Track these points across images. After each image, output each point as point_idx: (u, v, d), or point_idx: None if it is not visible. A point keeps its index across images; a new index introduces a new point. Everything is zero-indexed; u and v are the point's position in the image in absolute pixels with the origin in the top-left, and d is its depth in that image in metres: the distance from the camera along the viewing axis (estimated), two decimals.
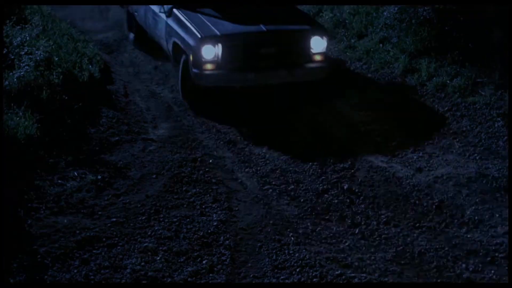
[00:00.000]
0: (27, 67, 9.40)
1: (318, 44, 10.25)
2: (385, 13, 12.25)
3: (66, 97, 9.28)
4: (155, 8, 11.07)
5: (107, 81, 10.78)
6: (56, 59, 10.02)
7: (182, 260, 6.83)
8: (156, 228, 7.28)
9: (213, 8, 10.61)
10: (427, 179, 8.25)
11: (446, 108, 9.94)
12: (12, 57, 9.70)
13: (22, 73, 9.19)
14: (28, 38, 10.28)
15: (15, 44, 10.02)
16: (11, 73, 9.17)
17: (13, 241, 6.74)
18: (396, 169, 8.51)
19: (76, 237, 6.98)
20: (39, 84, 9.15)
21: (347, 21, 12.79)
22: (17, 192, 7.47)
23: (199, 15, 10.38)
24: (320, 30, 10.44)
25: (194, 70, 9.90)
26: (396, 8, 11.96)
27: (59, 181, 7.88)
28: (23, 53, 9.83)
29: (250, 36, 10.10)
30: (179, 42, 10.31)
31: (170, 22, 10.58)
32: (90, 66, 10.58)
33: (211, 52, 9.78)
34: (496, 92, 9.95)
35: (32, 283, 6.27)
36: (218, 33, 9.86)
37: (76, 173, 8.04)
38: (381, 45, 11.79)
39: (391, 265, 6.84)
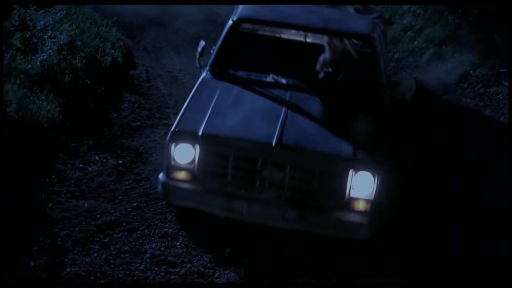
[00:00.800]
0: (50, 51, 9.42)
1: (363, 185, 6.42)
2: None
3: (89, 82, 9.32)
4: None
5: (129, 66, 10.80)
6: (79, 43, 10.04)
7: (202, 246, 6.84)
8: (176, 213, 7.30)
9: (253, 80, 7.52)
10: None
11: (469, 98, 9.86)
12: (36, 40, 9.73)
13: (45, 56, 9.22)
14: (51, 22, 10.31)
15: (39, 28, 10.05)
16: (34, 57, 9.20)
17: (34, 224, 6.79)
18: None
19: (96, 221, 7.02)
20: (61, 68, 9.18)
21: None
22: (39, 176, 7.52)
23: (220, 89, 7.27)
24: (372, 163, 6.44)
25: (160, 177, 6.79)
26: None
27: (81, 165, 7.92)
28: (46, 37, 9.85)
29: (247, 147, 6.49)
30: None
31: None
32: (113, 51, 10.60)
33: (186, 154, 6.59)
34: None
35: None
36: (199, 130, 6.59)
37: (97, 158, 8.08)
38: (406, 33, 11.69)
39: None
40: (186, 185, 6.63)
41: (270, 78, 7.54)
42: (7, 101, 8.10)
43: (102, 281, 6.29)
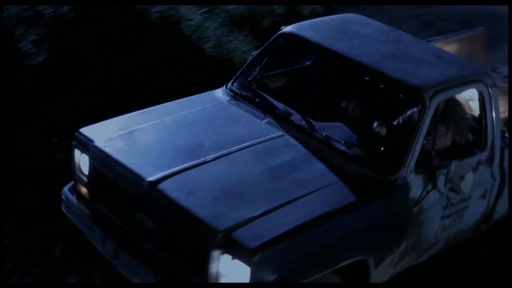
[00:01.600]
0: None
1: (231, 270, 4.30)
2: None
3: None
4: None
5: None
6: None
7: None
8: None
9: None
10: None
11: None
12: None
13: None
14: None
15: None
16: None
17: None
18: None
19: None
20: (262, 11, 9.29)
21: None
22: None
23: (202, 107, 5.62)
24: (251, 248, 4.21)
25: (64, 189, 5.38)
26: None
27: None
28: None
29: (124, 176, 4.88)
30: None
31: None
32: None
33: (86, 165, 5.16)
34: None
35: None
36: (95, 141, 5.09)
37: None
38: None
39: None
40: (81, 203, 5.20)
41: (280, 109, 5.58)
42: (206, 38, 8.34)
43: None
